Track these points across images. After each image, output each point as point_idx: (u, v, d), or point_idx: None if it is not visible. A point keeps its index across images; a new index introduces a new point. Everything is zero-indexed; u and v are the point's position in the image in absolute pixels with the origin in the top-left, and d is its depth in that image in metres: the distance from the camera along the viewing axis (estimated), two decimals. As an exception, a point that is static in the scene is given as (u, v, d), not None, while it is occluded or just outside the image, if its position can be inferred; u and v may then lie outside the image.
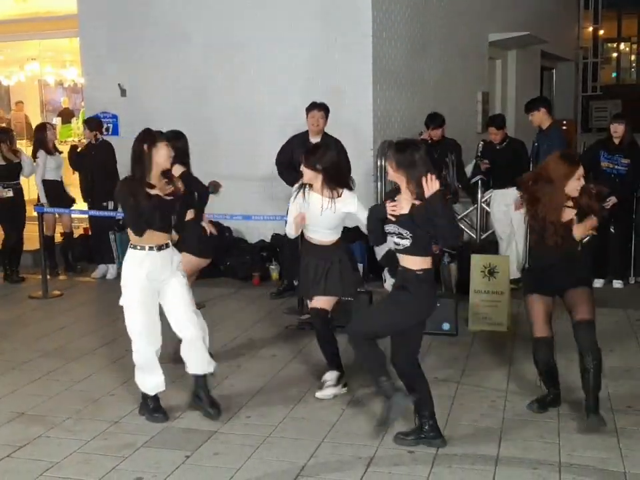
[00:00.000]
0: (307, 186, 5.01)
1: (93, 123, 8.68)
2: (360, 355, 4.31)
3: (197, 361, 4.70)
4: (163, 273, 4.53)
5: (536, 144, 7.74)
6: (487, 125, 8.50)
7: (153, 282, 4.50)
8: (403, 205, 4.14)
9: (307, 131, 7.25)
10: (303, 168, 4.95)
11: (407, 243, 4.15)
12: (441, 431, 4.30)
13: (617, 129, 7.62)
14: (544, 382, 4.81)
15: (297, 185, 5.16)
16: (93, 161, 8.43)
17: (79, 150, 8.80)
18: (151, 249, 4.48)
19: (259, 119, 7.57)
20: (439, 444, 4.24)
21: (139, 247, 4.49)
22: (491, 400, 4.92)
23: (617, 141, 7.64)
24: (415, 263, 4.19)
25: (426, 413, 4.27)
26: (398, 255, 4.25)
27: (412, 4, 9.97)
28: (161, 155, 4.42)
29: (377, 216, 4.27)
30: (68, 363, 5.84)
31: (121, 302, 4.56)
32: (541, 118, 7.59)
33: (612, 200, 7.44)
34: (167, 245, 4.57)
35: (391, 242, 8.04)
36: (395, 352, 4.27)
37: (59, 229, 9.25)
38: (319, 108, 7.13)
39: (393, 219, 4.14)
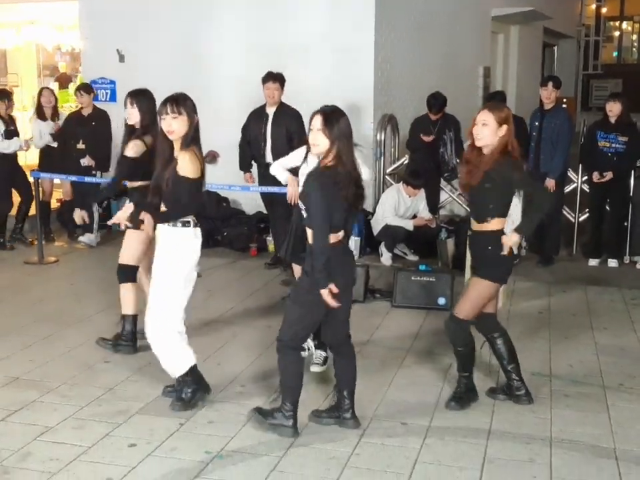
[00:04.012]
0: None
1: (89, 87, 8.67)
2: (281, 367, 4.11)
3: None
4: None
5: (536, 123, 7.72)
6: (487, 101, 8.48)
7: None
8: None
9: (265, 104, 7.41)
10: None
11: (305, 215, 3.94)
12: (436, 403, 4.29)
13: (613, 108, 7.60)
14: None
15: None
16: (94, 129, 8.39)
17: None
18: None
19: (259, 87, 7.51)
20: (352, 425, 4.13)
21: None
22: (484, 374, 4.94)
23: (612, 120, 7.62)
24: None
25: (345, 392, 4.13)
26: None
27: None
28: None
29: None
30: (63, 329, 5.85)
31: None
32: (554, 96, 7.64)
33: (608, 175, 7.51)
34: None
35: (391, 218, 7.93)
36: (324, 329, 4.13)
37: (57, 196, 9.23)
38: (274, 79, 7.26)
39: None
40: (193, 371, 4.43)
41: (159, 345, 4.39)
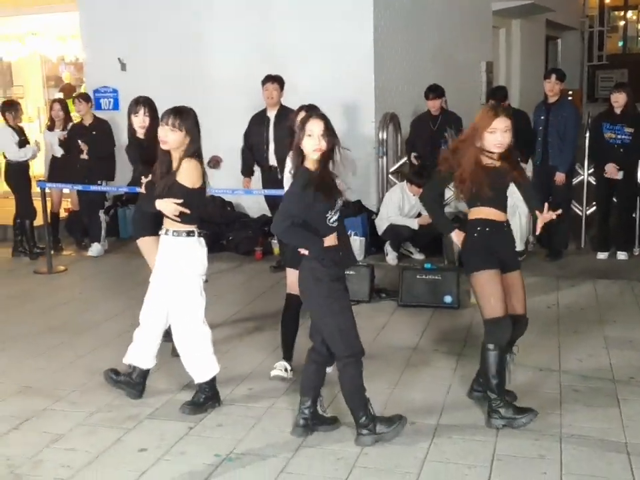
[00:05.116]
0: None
1: (87, 96, 8.71)
2: (353, 383, 3.98)
3: None
4: None
5: (542, 117, 7.69)
6: (489, 97, 8.46)
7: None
8: None
9: (265, 109, 7.53)
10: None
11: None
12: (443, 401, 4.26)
13: (618, 99, 7.55)
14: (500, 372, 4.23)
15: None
16: (95, 139, 8.40)
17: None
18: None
19: (259, 91, 7.51)
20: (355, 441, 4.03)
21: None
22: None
23: (618, 111, 7.58)
24: None
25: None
26: None
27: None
28: None
29: None
30: (73, 336, 5.89)
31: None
32: (558, 88, 7.60)
33: (619, 173, 7.51)
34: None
35: (395, 217, 7.86)
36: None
37: (65, 205, 9.27)
38: (272, 80, 7.38)
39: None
40: (213, 380, 4.49)
41: (189, 349, 4.44)
